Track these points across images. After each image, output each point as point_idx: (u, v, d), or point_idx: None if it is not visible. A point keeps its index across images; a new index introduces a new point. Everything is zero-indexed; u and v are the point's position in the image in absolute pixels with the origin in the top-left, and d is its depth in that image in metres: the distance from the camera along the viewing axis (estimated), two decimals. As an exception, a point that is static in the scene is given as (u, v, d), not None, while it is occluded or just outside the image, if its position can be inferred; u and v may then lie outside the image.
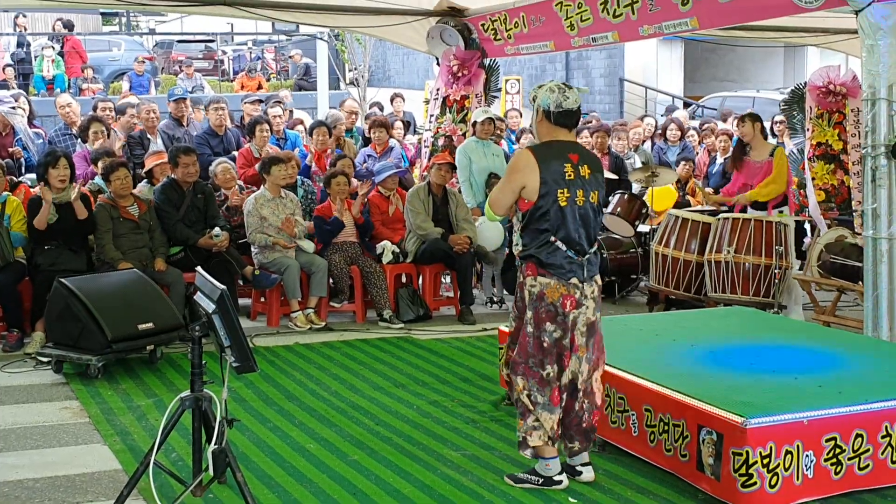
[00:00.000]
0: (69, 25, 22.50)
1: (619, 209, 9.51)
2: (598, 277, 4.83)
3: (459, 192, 9.26)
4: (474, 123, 9.42)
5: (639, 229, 9.65)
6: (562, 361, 4.74)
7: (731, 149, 9.67)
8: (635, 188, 10.37)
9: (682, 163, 11.03)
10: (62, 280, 6.90)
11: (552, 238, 4.66)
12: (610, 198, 9.65)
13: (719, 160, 11.14)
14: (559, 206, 4.65)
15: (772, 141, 10.83)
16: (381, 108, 14.28)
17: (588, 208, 4.74)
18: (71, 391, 6.51)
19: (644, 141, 12.29)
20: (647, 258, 9.28)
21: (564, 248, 4.68)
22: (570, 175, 4.68)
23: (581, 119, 14.56)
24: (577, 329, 4.74)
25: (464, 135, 9.90)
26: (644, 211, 9.57)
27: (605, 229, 9.76)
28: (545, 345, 4.71)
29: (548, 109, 4.73)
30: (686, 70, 24.96)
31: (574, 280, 4.69)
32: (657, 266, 8.74)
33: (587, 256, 4.75)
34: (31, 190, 8.11)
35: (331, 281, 8.63)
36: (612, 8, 8.07)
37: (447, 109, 10.11)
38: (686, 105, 21.33)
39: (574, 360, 4.75)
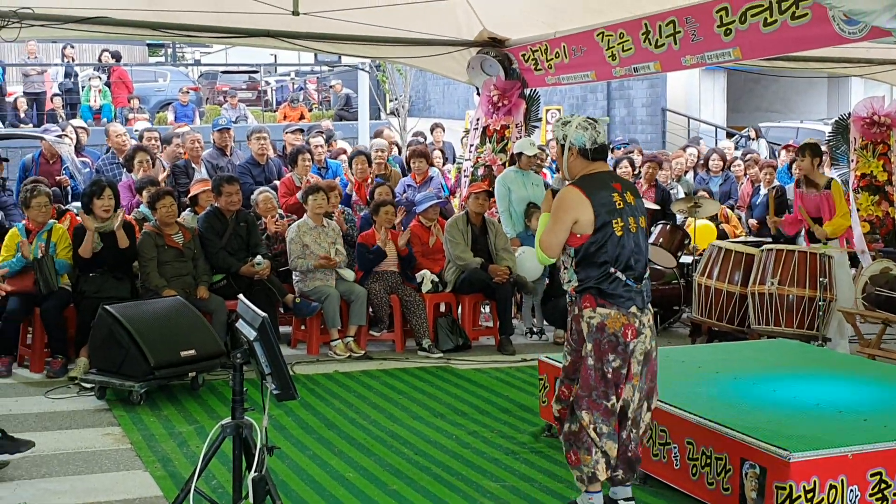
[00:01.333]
0: (116, 56, 22.94)
1: (661, 239, 9.46)
2: (650, 305, 4.80)
3: (499, 221, 9.28)
4: (520, 155, 9.42)
5: (681, 260, 9.59)
6: (618, 390, 4.70)
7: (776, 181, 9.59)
8: (678, 219, 10.32)
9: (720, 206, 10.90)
10: (106, 307, 6.99)
11: (611, 269, 4.64)
12: (652, 228, 9.60)
13: (763, 191, 11.06)
14: (616, 236, 4.63)
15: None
16: (424, 138, 14.33)
17: (639, 234, 4.74)
18: (113, 417, 6.58)
19: (686, 171, 12.25)
20: (689, 289, 9.21)
21: (624, 277, 4.66)
22: (619, 204, 4.67)
23: (617, 149, 14.46)
24: (635, 357, 4.69)
25: (503, 164, 9.92)
26: (686, 242, 9.51)
27: (648, 260, 9.70)
28: (608, 375, 4.66)
29: (583, 147, 4.73)
30: (729, 100, 24.83)
31: (633, 309, 4.66)
32: (700, 297, 8.66)
33: (644, 282, 4.74)
34: (78, 218, 8.24)
35: (370, 310, 8.66)
36: (655, 38, 8.08)
37: (487, 139, 10.15)
38: (729, 135, 21.21)
39: (628, 388, 4.69)
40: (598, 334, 4.65)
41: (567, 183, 4.79)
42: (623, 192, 4.73)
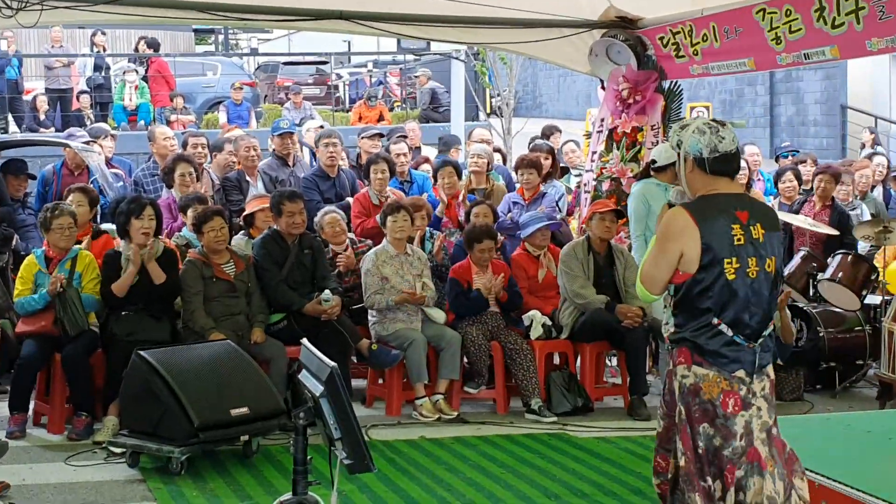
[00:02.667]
0: (155, 45, 23.51)
1: (840, 274, 9.28)
2: (770, 369, 4.75)
3: (629, 249, 9.20)
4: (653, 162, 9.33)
5: (866, 301, 9.37)
6: (724, 476, 4.63)
7: None
8: (862, 247, 10.09)
9: None
10: (141, 353, 7.13)
11: (715, 320, 4.63)
12: (829, 260, 9.41)
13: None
14: (726, 279, 4.61)
15: None
16: (548, 137, 14.15)
17: (763, 280, 4.69)
18: (148, 490, 6.69)
19: (873, 186, 11.98)
20: (877, 338, 8.99)
21: (730, 332, 4.64)
22: (739, 238, 4.64)
23: (783, 158, 14.23)
24: (757, 438, 4.64)
25: (634, 176, 9.85)
26: (873, 277, 9.30)
27: (823, 301, 9.53)
28: (700, 451, 4.66)
29: (700, 156, 4.70)
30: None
31: (740, 373, 4.64)
32: (891, 349, 8.48)
33: (760, 341, 4.69)
34: (115, 242, 8.39)
35: (466, 360, 8.66)
36: (831, 16, 7.94)
37: (614, 145, 10.10)
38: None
39: (767, 481, 4.62)
40: (690, 398, 4.66)
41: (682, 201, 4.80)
42: (750, 222, 4.69)
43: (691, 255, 4.63)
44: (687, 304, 4.69)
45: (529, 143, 14.44)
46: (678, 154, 4.80)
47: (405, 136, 12.51)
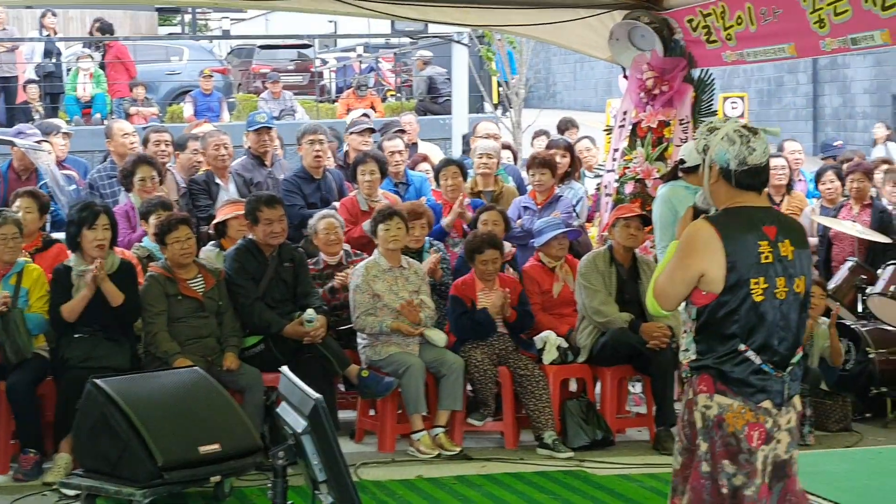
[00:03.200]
0: (108, 29, 23.43)
1: (892, 288, 9.29)
2: (797, 400, 4.84)
3: (656, 260, 9.21)
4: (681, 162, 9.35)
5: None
6: None
7: None
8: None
9: None
10: (97, 382, 7.11)
11: (741, 346, 4.72)
12: (880, 271, 9.41)
13: None
14: (753, 301, 4.70)
15: None
16: (562, 132, 14.14)
17: (792, 302, 4.77)
18: (105, 538, 6.68)
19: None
20: (937, 362, 9.03)
21: (758, 360, 4.72)
22: (766, 256, 4.72)
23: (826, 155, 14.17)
24: (766, 472, 4.73)
25: (662, 177, 9.86)
26: (932, 291, 9.33)
27: (873, 317, 9.53)
28: (724, 490, 4.72)
29: (727, 167, 4.79)
30: None
31: (766, 403, 4.72)
32: (953, 373, 8.50)
33: (790, 369, 4.77)
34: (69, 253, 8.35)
35: (469, 388, 8.66)
36: (882, -5, 7.97)
37: (639, 141, 10.11)
38: None
39: None
40: (714, 431, 4.74)
41: (710, 211, 4.89)
42: (778, 239, 4.78)
43: (716, 275, 4.72)
44: (711, 329, 4.77)
45: (533, 138, 14.49)
46: (703, 160, 4.88)
47: (403, 131, 12.50)
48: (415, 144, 13.08)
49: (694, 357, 4.82)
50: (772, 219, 4.84)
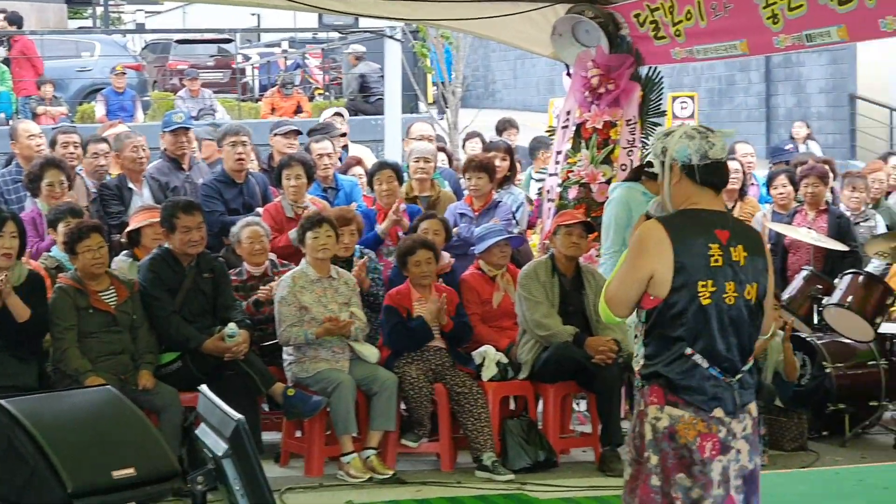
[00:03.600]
0: (17, 20, 23.24)
1: (850, 299, 9.37)
2: (753, 406, 4.94)
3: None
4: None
5: (881, 330, 9.49)
6: None
7: None
8: (875, 266, 10.22)
9: None
10: (1, 403, 7.02)
11: (688, 350, 4.83)
12: (837, 281, 9.51)
13: None
14: (700, 304, 4.82)
15: None
16: (501, 133, 14.16)
17: (742, 308, 4.89)
18: (10, 571, 6.62)
19: (889, 192, 12.14)
20: (893, 375, 9.14)
21: (705, 363, 4.83)
22: (716, 260, 4.84)
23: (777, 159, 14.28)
24: (731, 484, 4.81)
25: (608, 181, 9.90)
26: (890, 301, 9.42)
27: (830, 330, 9.62)
28: None
29: (689, 162, 4.90)
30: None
31: (718, 412, 4.82)
32: (914, 388, 8.60)
33: (739, 377, 4.88)
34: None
35: (403, 407, 8.66)
36: (839, -11, 8.06)
37: (583, 143, 10.16)
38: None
39: None
40: (666, 443, 4.83)
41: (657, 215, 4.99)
42: (731, 243, 4.90)
43: (663, 277, 4.83)
44: (658, 332, 4.89)
45: (465, 141, 14.55)
46: (662, 163, 4.97)
47: (344, 134, 12.52)
48: (345, 147, 13.06)
49: (643, 363, 4.92)
50: (726, 223, 4.94)
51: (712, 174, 4.90)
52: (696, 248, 4.83)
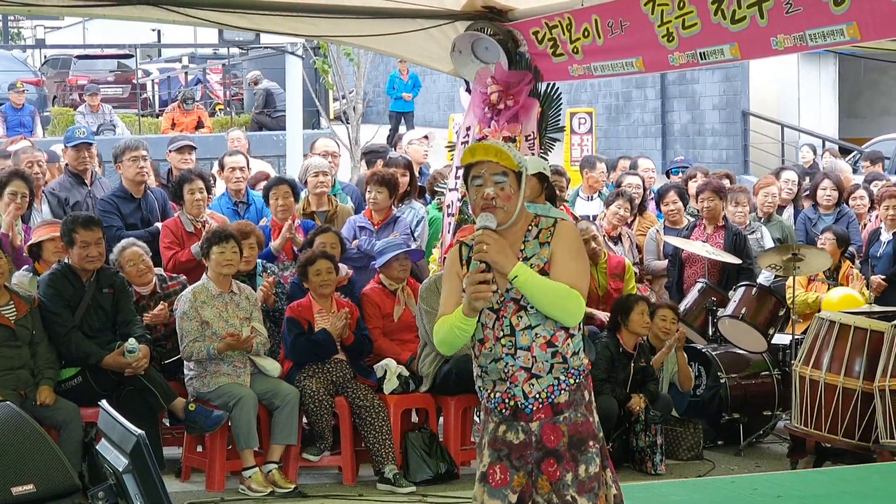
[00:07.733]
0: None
1: (744, 311, 9.50)
2: None
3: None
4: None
5: (774, 341, 9.62)
6: None
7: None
8: (766, 277, 10.35)
9: (827, 236, 10.82)
10: None
11: None
12: (731, 293, 9.63)
13: (885, 235, 11.11)
14: None
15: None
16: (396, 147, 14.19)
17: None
18: None
19: (782, 206, 12.31)
20: (787, 385, 9.24)
21: None
22: None
23: (674, 174, 14.55)
24: None
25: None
26: (782, 313, 9.55)
27: (724, 341, 9.74)
28: None
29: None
30: (842, 100, 25.09)
31: None
32: (803, 397, 8.67)
33: None
34: None
35: (305, 421, 8.63)
36: (731, 9, 8.15)
37: (483, 159, 10.19)
38: (844, 152, 21.42)
39: None
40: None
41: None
42: None
43: None
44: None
45: (362, 158, 14.54)
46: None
47: (237, 149, 12.46)
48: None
49: (582, 356, 5.14)
50: None
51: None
52: None
